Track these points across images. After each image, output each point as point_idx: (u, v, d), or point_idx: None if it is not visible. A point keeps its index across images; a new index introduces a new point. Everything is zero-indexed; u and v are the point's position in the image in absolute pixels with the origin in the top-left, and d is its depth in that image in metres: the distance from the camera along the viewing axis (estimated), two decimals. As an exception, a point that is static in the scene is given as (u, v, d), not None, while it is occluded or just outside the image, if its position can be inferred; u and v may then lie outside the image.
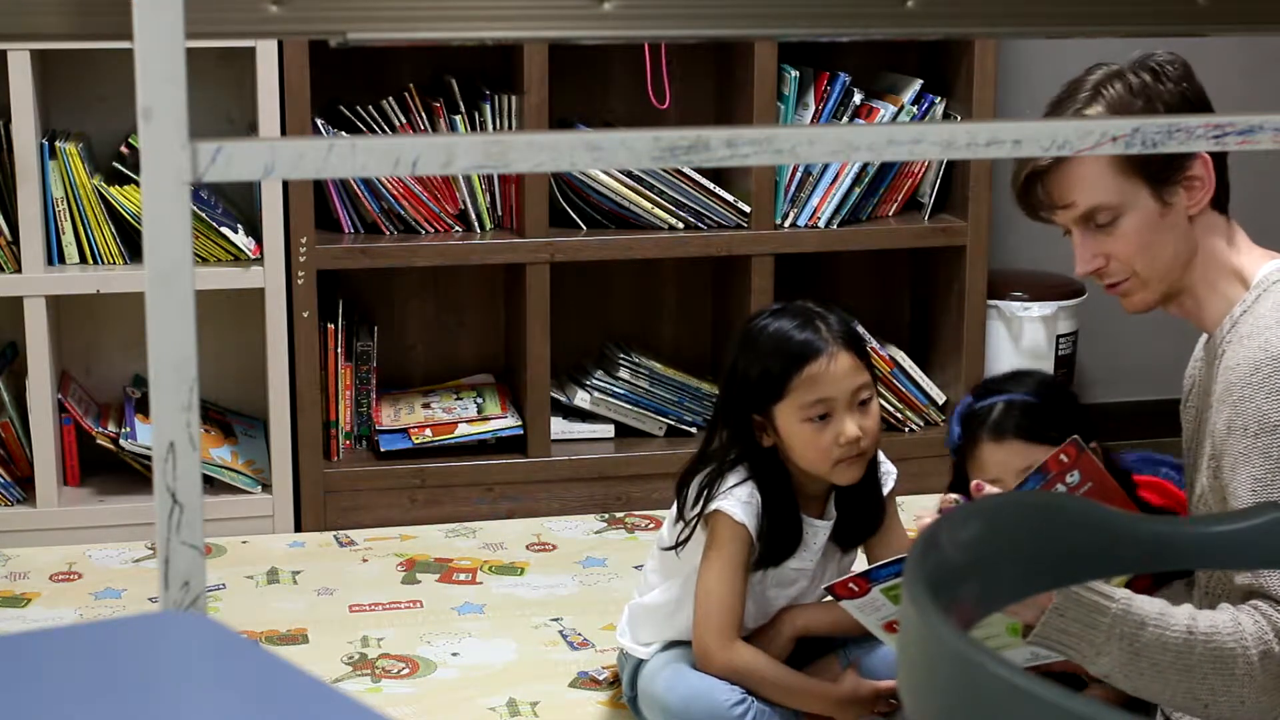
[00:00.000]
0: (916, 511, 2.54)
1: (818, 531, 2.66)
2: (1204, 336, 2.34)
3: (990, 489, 2.27)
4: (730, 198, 3.75)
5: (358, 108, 3.62)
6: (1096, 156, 2.19)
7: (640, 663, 2.74)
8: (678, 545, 2.67)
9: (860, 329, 3.83)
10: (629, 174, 3.69)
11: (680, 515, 2.66)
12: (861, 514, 2.69)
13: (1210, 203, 2.25)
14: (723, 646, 2.61)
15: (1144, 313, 2.30)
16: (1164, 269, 2.24)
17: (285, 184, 3.52)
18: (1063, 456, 2.16)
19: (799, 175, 3.79)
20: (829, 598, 2.36)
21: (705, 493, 2.63)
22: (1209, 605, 2.20)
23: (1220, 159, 2.25)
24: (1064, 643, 2.06)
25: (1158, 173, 2.21)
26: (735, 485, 2.62)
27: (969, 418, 2.49)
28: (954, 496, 2.42)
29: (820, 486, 2.65)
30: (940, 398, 3.92)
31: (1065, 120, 1.52)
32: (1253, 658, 2.03)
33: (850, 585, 2.30)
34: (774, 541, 2.62)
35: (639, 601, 2.78)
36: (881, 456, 2.73)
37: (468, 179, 3.68)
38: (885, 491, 2.72)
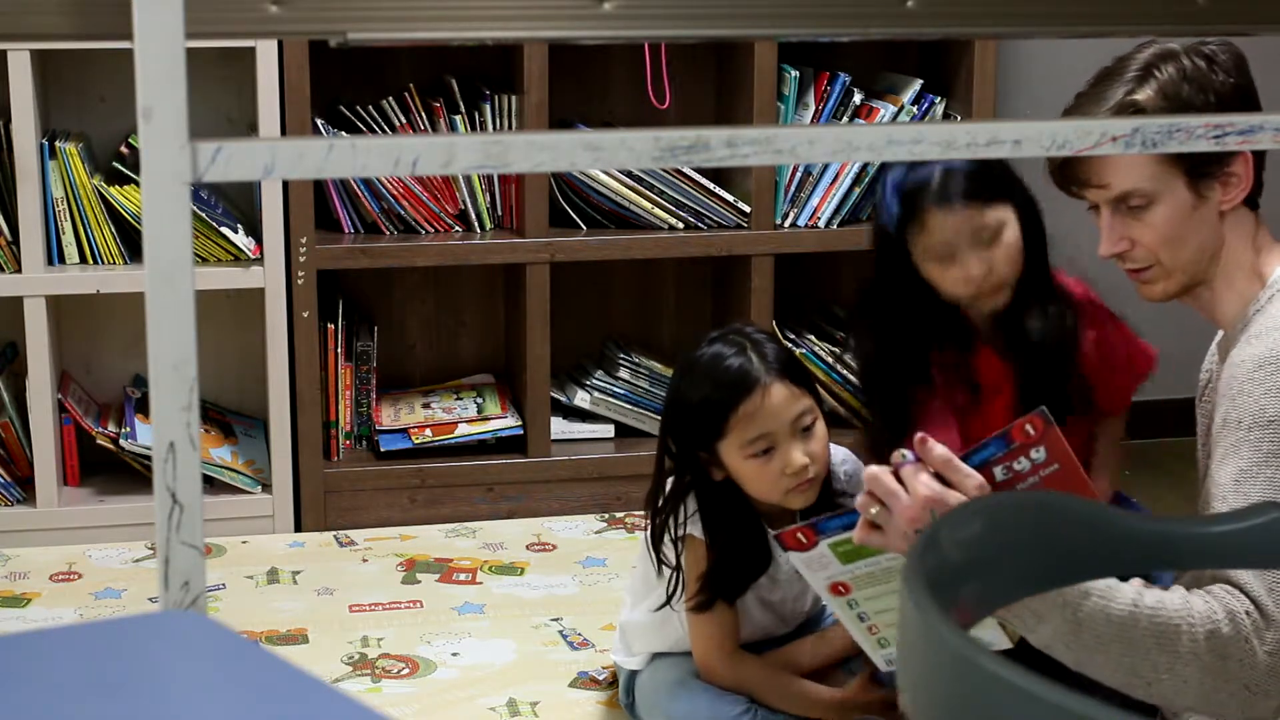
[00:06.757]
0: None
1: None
2: (1220, 334, 2.33)
3: (937, 447, 2.01)
4: (730, 198, 3.75)
5: (358, 108, 3.62)
6: None
7: (634, 672, 2.74)
8: (670, 598, 2.63)
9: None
10: (629, 174, 3.69)
11: (659, 560, 2.63)
12: None
13: (1243, 200, 2.20)
14: (725, 663, 2.60)
15: (1161, 302, 2.27)
16: (1188, 261, 2.21)
17: (285, 184, 3.52)
18: (1029, 427, 2.01)
19: (799, 175, 3.79)
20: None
21: (673, 531, 2.59)
22: None
23: (1259, 156, 2.20)
24: (1006, 608, 2.00)
25: (1197, 166, 2.16)
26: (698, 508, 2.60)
27: (909, 192, 2.43)
28: (903, 452, 2.09)
29: (781, 507, 2.62)
30: (940, 398, 3.92)
31: (1064, 121, 1.51)
32: (1198, 635, 1.94)
33: (799, 536, 2.20)
34: (742, 568, 2.59)
35: (627, 618, 2.77)
36: (846, 458, 2.68)
37: (468, 179, 3.68)
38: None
